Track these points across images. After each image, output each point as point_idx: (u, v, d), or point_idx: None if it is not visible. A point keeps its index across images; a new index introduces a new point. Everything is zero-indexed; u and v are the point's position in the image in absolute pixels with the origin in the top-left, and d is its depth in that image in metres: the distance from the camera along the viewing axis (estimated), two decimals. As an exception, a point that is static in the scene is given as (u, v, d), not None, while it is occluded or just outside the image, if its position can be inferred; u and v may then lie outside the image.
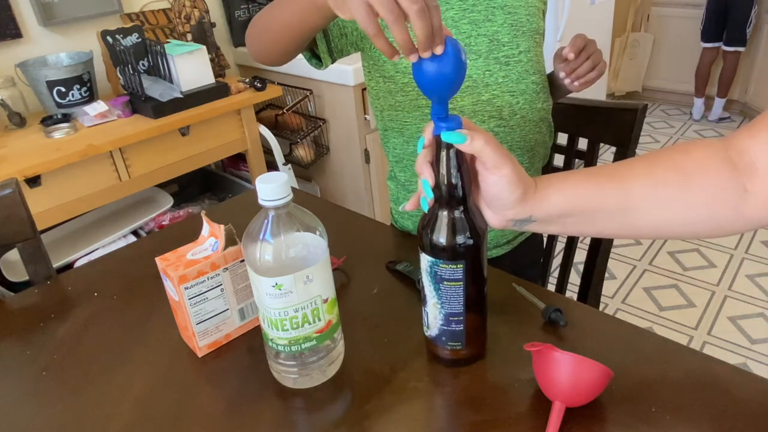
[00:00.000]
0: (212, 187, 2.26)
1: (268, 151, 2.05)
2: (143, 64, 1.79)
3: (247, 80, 1.93)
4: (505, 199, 0.58)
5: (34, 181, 1.47)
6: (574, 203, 0.58)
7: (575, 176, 0.60)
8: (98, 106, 1.70)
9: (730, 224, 0.56)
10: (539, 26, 0.98)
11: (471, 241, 0.59)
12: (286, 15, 0.79)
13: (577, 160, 1.19)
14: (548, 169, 1.21)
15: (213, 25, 2.04)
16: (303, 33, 0.80)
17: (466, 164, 0.58)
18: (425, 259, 0.62)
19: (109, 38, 1.73)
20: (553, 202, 0.59)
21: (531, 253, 1.14)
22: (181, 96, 1.72)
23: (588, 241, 1.20)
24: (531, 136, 0.98)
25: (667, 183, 0.57)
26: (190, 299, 0.69)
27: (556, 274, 1.23)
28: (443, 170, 0.58)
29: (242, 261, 0.71)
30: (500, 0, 0.92)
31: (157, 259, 0.70)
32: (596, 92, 2.98)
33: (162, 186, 1.87)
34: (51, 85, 1.68)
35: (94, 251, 1.70)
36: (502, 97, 0.94)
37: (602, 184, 0.58)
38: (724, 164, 0.55)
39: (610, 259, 1.32)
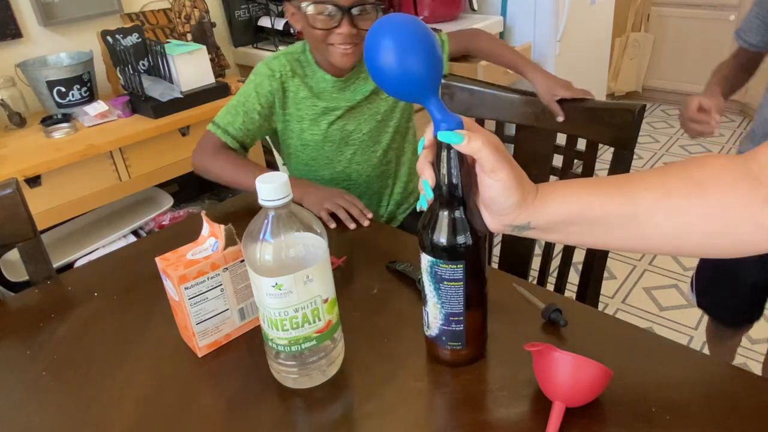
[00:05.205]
0: (212, 187, 2.25)
1: (268, 151, 2.05)
2: (143, 64, 1.79)
3: (247, 80, 1.92)
4: (502, 204, 0.57)
5: (34, 181, 1.47)
6: (576, 210, 0.57)
7: (580, 183, 0.58)
8: (98, 106, 1.70)
9: (749, 239, 0.53)
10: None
11: (471, 241, 0.59)
12: (235, 179, 1.13)
13: (576, 160, 1.19)
14: (547, 169, 1.21)
15: (213, 25, 2.04)
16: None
17: (466, 164, 0.58)
18: (425, 259, 0.62)
19: (109, 38, 1.73)
20: (553, 210, 0.57)
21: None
22: (181, 96, 1.72)
23: (588, 241, 1.19)
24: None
25: (677, 192, 0.54)
26: (190, 299, 0.69)
27: (555, 274, 1.23)
28: (443, 170, 0.57)
29: (242, 261, 0.71)
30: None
31: (157, 259, 0.70)
32: (596, 92, 2.97)
33: (162, 186, 1.87)
34: (51, 85, 1.68)
35: (94, 251, 1.69)
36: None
37: (608, 192, 0.56)
38: (743, 175, 0.53)
39: (610, 259, 1.32)
